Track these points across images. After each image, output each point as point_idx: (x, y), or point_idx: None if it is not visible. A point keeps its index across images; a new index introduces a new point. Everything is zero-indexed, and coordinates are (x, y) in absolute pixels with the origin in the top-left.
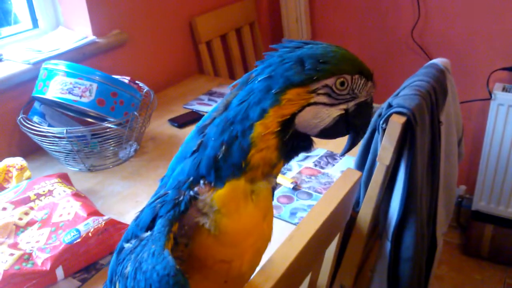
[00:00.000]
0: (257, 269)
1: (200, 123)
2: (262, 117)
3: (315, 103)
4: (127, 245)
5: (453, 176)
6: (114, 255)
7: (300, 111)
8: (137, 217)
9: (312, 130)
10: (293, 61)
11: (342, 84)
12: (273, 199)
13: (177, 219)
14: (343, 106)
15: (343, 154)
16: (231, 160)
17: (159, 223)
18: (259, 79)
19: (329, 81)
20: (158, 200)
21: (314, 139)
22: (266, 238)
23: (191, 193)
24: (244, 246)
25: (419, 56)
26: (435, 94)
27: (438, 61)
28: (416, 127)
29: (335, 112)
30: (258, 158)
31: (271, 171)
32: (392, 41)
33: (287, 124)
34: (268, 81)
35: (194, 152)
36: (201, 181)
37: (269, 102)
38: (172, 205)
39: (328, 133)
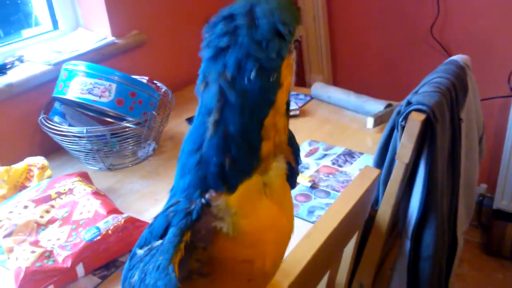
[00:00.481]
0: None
1: (192, 139)
2: (269, 109)
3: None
4: (139, 252)
5: (474, 174)
6: (128, 260)
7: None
8: (151, 224)
9: (290, 89)
10: (264, 35)
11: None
12: (294, 185)
13: (189, 228)
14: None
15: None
16: (240, 168)
17: (170, 232)
18: (248, 78)
19: (297, 36)
20: (170, 209)
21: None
22: (286, 231)
23: (203, 200)
24: (264, 243)
25: (439, 52)
26: (455, 91)
27: (458, 57)
28: (436, 125)
29: (294, 56)
30: (270, 145)
31: (280, 149)
32: (411, 38)
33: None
34: (260, 75)
35: (194, 167)
36: (211, 190)
37: (275, 89)
38: (184, 214)
39: None
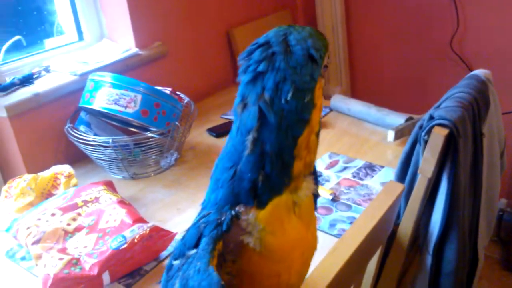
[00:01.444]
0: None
1: (226, 156)
2: (304, 128)
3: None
4: (175, 263)
5: (495, 189)
6: (164, 272)
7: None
8: (184, 237)
9: None
10: (299, 62)
11: (328, 58)
12: (316, 207)
13: (220, 238)
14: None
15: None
16: (272, 184)
17: (203, 241)
18: (285, 99)
19: (326, 61)
20: (202, 220)
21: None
22: (311, 248)
23: (233, 212)
24: (291, 259)
25: (459, 66)
26: (477, 106)
27: (480, 72)
28: (458, 139)
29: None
30: (301, 165)
31: (310, 168)
32: (431, 51)
33: None
34: (296, 94)
35: (227, 182)
36: (241, 205)
37: (309, 110)
38: (214, 225)
39: None
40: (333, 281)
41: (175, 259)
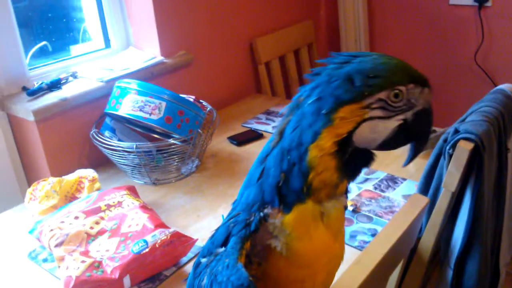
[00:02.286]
0: None
1: (260, 154)
2: (315, 139)
3: (371, 118)
4: (203, 260)
5: None
6: (192, 270)
7: (356, 128)
8: (212, 236)
9: (371, 144)
10: (341, 79)
11: (396, 96)
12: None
13: (248, 238)
14: (401, 117)
15: (406, 164)
16: (292, 187)
17: (232, 240)
18: (308, 102)
19: (383, 95)
20: (231, 220)
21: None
22: (338, 258)
23: (261, 214)
24: (316, 267)
25: (483, 80)
26: (503, 121)
27: (506, 86)
28: (484, 154)
29: (393, 123)
30: (319, 181)
31: (334, 192)
32: (455, 65)
33: (345, 143)
34: (318, 103)
35: (258, 179)
36: (269, 206)
37: (320, 123)
38: (243, 225)
39: (388, 145)
40: None
41: (203, 257)
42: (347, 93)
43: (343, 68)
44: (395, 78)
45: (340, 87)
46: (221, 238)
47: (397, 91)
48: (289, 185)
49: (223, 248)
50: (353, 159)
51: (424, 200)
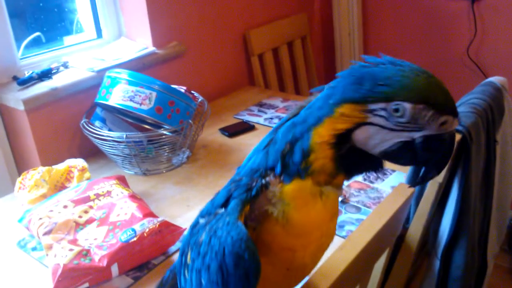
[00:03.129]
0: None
1: (277, 124)
2: (317, 124)
3: (372, 124)
4: (202, 220)
5: (507, 197)
6: (189, 229)
7: (355, 128)
8: (213, 198)
9: (373, 150)
10: (355, 77)
11: (396, 110)
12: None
13: (249, 201)
14: (406, 134)
15: (408, 184)
16: (294, 159)
17: (233, 202)
18: (327, 87)
19: (386, 105)
20: (233, 184)
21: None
22: (330, 236)
23: (263, 181)
24: (309, 238)
25: (475, 74)
26: (491, 113)
27: (495, 79)
28: (471, 145)
29: (395, 138)
30: (319, 165)
31: (330, 181)
32: (447, 58)
33: (343, 138)
34: (331, 90)
35: (266, 146)
36: (271, 174)
37: (325, 111)
38: (245, 189)
39: (391, 157)
40: (339, 279)
41: (202, 217)
42: (353, 93)
43: (365, 69)
44: (402, 93)
45: (351, 84)
46: (222, 200)
47: (397, 105)
48: (292, 157)
49: (223, 209)
50: (352, 157)
51: (409, 190)
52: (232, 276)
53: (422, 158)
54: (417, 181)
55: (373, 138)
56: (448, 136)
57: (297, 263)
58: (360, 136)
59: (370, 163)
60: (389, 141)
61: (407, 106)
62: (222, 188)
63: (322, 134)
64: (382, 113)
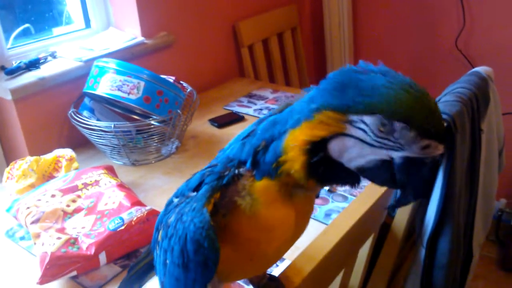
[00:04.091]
0: (290, 261)
1: (262, 116)
2: (295, 127)
3: (349, 135)
4: (175, 200)
5: (492, 186)
6: (164, 206)
7: (332, 138)
8: (189, 180)
9: (348, 163)
10: (339, 84)
11: (383, 125)
12: (318, 195)
13: (219, 189)
14: (385, 152)
15: (389, 208)
16: (266, 158)
17: (204, 188)
18: (313, 89)
19: (367, 118)
20: (208, 169)
21: None
22: (298, 232)
23: (235, 171)
24: (274, 234)
25: (463, 65)
26: (476, 102)
27: (481, 69)
28: (456, 134)
29: (374, 154)
30: (288, 167)
31: (299, 185)
32: (436, 49)
33: (317, 146)
34: (315, 93)
35: (246, 137)
36: (244, 166)
37: (304, 114)
38: (217, 176)
39: (367, 174)
40: (323, 262)
41: (176, 197)
42: (334, 99)
43: (353, 75)
44: (386, 107)
45: (334, 90)
46: (195, 183)
47: (382, 121)
48: (264, 155)
49: (194, 193)
50: (325, 167)
51: None
52: (192, 261)
53: (399, 180)
54: (392, 204)
55: (350, 151)
56: (429, 161)
57: (261, 254)
58: (336, 146)
59: (346, 176)
60: (366, 157)
61: (387, 122)
62: (199, 171)
63: (297, 138)
64: (362, 126)
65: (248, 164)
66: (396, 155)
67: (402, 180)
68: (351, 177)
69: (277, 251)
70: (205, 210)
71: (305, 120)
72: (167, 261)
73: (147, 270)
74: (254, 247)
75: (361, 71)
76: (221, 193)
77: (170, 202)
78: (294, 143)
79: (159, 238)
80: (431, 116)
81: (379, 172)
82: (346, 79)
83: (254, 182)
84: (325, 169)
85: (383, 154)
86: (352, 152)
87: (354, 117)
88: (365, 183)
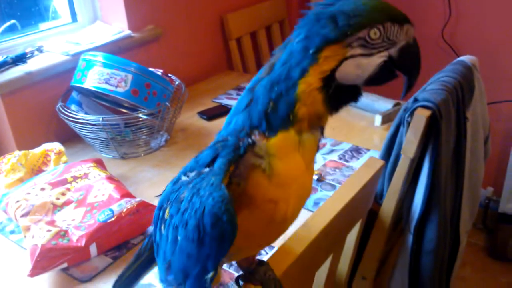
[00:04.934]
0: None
1: (249, 84)
2: (303, 76)
3: (352, 56)
4: (184, 177)
5: (478, 174)
6: (169, 184)
7: (338, 66)
8: (197, 156)
9: (357, 80)
10: (326, 18)
11: (374, 34)
12: (317, 151)
13: (236, 160)
14: (384, 53)
15: (404, 95)
16: (279, 114)
17: (220, 162)
18: (297, 40)
19: (362, 33)
20: (219, 144)
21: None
22: (308, 187)
23: (249, 140)
24: (290, 190)
25: (449, 55)
26: (461, 90)
27: (466, 58)
28: (441, 121)
29: (376, 60)
30: (305, 112)
31: (318, 123)
32: (422, 41)
33: (329, 79)
34: (305, 41)
35: (245, 107)
36: (256, 132)
37: (308, 61)
38: (232, 148)
39: (375, 80)
40: (311, 246)
41: (184, 174)
42: (332, 32)
43: (328, 8)
44: (373, 17)
45: (326, 26)
46: (208, 159)
47: (375, 29)
48: (276, 113)
49: (208, 169)
50: (338, 93)
51: (379, 163)
52: (208, 235)
53: (402, 67)
54: (407, 89)
55: (358, 68)
56: (414, 41)
57: (279, 216)
58: (344, 71)
59: (351, 94)
60: (371, 65)
61: (380, 26)
62: (207, 148)
63: (310, 83)
64: (359, 42)
65: (264, 126)
66: (392, 51)
67: (404, 67)
68: (355, 93)
69: (294, 210)
70: (223, 186)
71: (311, 65)
72: (179, 237)
73: (137, 275)
74: (272, 208)
75: (326, 5)
76: (235, 164)
77: (177, 180)
78: (309, 88)
79: (166, 215)
80: (396, 8)
81: (382, 73)
82: (329, 13)
83: (269, 141)
84: (337, 96)
85: (383, 56)
86: (359, 68)
87: (351, 39)
88: (351, 172)
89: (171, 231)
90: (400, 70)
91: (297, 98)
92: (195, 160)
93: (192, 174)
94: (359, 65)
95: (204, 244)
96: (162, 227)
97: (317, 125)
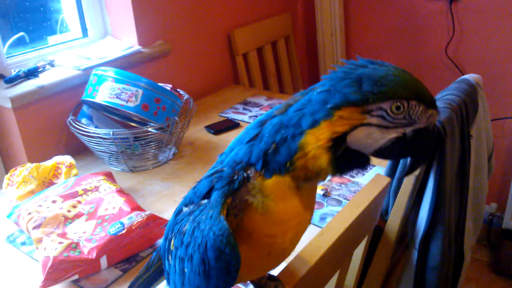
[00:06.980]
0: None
1: (262, 117)
2: (313, 127)
3: (368, 124)
4: (185, 209)
5: (482, 190)
6: (172, 216)
7: (352, 130)
8: (195, 187)
9: (366, 149)
10: (352, 79)
11: (397, 108)
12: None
13: (231, 193)
14: (400, 130)
15: (402, 176)
16: (278, 158)
17: (216, 194)
18: (318, 91)
19: (385, 105)
20: (215, 175)
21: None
22: (306, 222)
23: (244, 174)
24: (287, 226)
25: (453, 72)
26: (466, 108)
27: (470, 76)
28: (446, 139)
29: (391, 134)
30: (303, 164)
31: (315, 177)
32: (426, 57)
33: (339, 140)
34: (326, 94)
35: (250, 140)
36: (252, 168)
37: (322, 114)
38: (227, 181)
39: (383, 154)
40: (318, 263)
41: (185, 206)
42: (353, 95)
43: (358, 70)
44: (400, 91)
45: (350, 86)
46: (204, 190)
47: (398, 103)
48: (276, 156)
49: (206, 200)
50: (345, 157)
51: (385, 180)
52: (213, 268)
53: (411, 150)
54: (405, 172)
55: (369, 138)
56: (434, 127)
57: (277, 248)
58: (357, 136)
59: (359, 161)
60: (385, 138)
61: (405, 103)
62: (204, 177)
63: (320, 137)
64: (380, 112)
65: (259, 166)
66: (408, 130)
67: (414, 150)
68: (363, 161)
69: (292, 242)
70: (222, 218)
71: (324, 119)
72: (185, 270)
73: (148, 284)
74: (270, 242)
75: (357, 66)
76: (232, 196)
77: (179, 211)
78: (317, 143)
79: (172, 247)
80: (427, 90)
81: (393, 148)
82: (356, 75)
83: (264, 181)
84: (344, 160)
85: (398, 132)
86: (372, 138)
87: (372, 106)
88: (357, 188)
89: (178, 263)
90: (408, 151)
91: (300, 147)
92: (193, 191)
93: (191, 206)
94: (371, 135)
95: (211, 276)
96: (170, 257)
97: (314, 179)
